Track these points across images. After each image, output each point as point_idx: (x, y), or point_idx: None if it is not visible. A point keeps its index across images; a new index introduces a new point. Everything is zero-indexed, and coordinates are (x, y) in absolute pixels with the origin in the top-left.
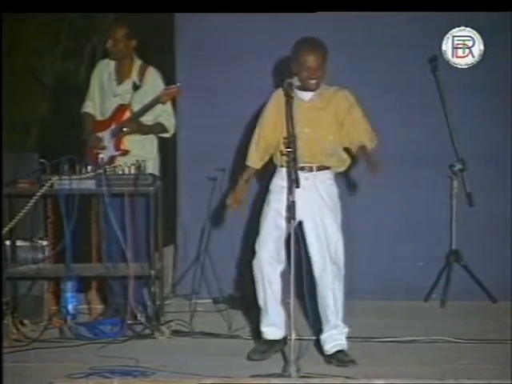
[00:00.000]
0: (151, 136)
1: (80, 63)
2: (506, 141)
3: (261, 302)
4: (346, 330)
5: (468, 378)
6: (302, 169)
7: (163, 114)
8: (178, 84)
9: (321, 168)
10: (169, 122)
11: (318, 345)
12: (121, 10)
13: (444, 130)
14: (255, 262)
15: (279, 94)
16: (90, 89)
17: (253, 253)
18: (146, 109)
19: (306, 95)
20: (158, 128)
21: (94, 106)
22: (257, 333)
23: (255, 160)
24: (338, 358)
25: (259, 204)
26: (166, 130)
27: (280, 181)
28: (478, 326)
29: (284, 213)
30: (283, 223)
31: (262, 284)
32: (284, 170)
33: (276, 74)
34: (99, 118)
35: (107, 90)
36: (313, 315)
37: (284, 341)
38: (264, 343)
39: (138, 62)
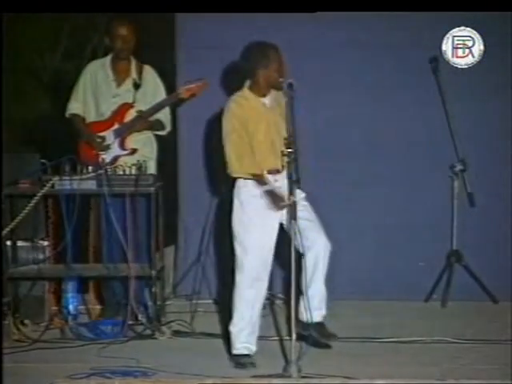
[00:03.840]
0: (150, 136)
1: (81, 63)
2: (506, 140)
3: (240, 323)
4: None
5: (468, 378)
6: (270, 172)
7: (160, 111)
8: (202, 79)
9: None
10: (166, 118)
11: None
12: (121, 10)
13: (445, 130)
14: (235, 289)
15: (235, 103)
16: (78, 90)
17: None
18: (162, 106)
19: (266, 100)
20: (157, 125)
21: (83, 107)
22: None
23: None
24: (319, 331)
25: None
26: (163, 127)
27: (252, 190)
28: (478, 327)
29: (271, 225)
30: (267, 238)
31: (242, 307)
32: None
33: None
34: (95, 119)
35: (104, 91)
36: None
37: (252, 358)
38: (241, 357)
39: (133, 61)
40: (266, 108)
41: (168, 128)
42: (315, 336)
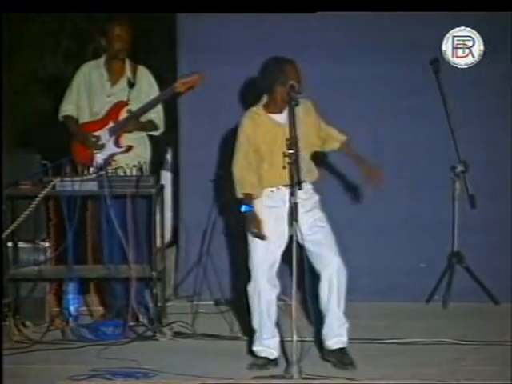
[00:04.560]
0: (144, 136)
1: (82, 64)
2: (506, 141)
3: (255, 326)
4: (347, 325)
5: (469, 379)
6: (285, 186)
7: (153, 112)
8: (198, 72)
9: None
10: (159, 119)
11: (318, 344)
12: (121, 10)
13: (446, 131)
14: (251, 288)
15: (249, 119)
16: (72, 91)
17: (248, 276)
18: (157, 101)
19: (281, 117)
20: (149, 125)
21: (77, 108)
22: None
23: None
24: (339, 358)
25: None
26: (156, 128)
27: (266, 200)
28: (479, 328)
29: (275, 236)
30: (274, 248)
31: (258, 309)
32: (269, 189)
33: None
34: (89, 119)
35: (99, 91)
36: (316, 316)
37: (275, 362)
38: (259, 359)
39: (128, 61)
40: (280, 125)
41: (161, 129)
42: (334, 362)
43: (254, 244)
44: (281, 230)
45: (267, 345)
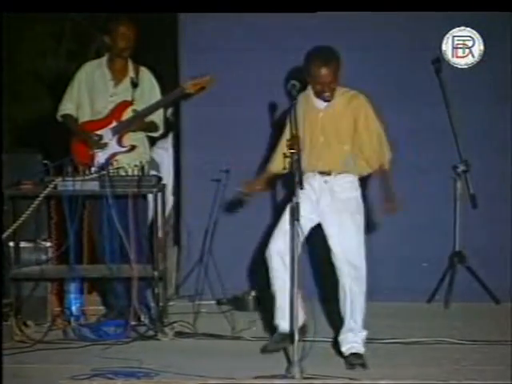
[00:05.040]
0: (144, 136)
1: (83, 63)
2: (506, 141)
3: (273, 294)
4: (364, 333)
5: (471, 379)
6: (321, 173)
7: (154, 113)
8: (207, 75)
9: (340, 172)
10: (159, 120)
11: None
12: (122, 10)
13: (447, 130)
14: (266, 254)
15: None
16: (73, 90)
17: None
18: (164, 102)
19: (322, 103)
20: (151, 126)
21: (77, 107)
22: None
23: (273, 165)
24: (349, 360)
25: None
26: (157, 129)
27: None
28: (480, 328)
29: (304, 213)
30: (299, 224)
31: (271, 275)
32: (309, 174)
33: (278, 74)
34: (89, 118)
35: (102, 91)
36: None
37: (290, 338)
38: (278, 335)
39: (130, 61)
40: (314, 108)
41: (161, 130)
42: (347, 366)
43: (282, 215)
44: (304, 214)
45: (283, 316)
